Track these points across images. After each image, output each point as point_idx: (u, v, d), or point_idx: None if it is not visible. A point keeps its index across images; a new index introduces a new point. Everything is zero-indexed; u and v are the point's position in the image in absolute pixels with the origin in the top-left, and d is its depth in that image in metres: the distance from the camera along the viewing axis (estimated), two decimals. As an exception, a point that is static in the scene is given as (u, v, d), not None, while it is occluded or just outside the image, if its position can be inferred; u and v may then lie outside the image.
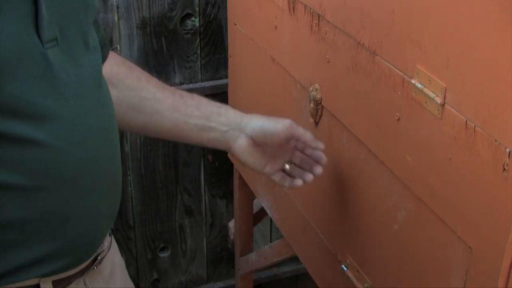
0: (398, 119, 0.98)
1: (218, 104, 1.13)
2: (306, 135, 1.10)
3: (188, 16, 1.84)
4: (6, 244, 0.82)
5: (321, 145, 1.12)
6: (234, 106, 1.65)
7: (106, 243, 1.00)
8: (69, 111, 0.82)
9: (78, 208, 0.86)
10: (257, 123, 1.10)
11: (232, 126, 1.10)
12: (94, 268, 0.96)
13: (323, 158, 1.12)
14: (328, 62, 1.17)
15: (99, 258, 0.97)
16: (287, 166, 1.14)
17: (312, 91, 1.23)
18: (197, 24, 1.86)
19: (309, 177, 1.13)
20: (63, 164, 0.82)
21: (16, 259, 0.83)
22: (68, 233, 0.86)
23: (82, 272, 0.93)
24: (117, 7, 1.74)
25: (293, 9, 1.27)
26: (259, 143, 1.11)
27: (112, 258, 1.04)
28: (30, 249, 0.83)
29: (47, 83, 0.79)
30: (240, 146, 1.09)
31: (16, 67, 0.74)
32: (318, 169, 1.12)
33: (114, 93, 0.97)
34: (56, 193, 0.83)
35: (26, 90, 0.76)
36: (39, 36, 0.77)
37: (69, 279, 0.91)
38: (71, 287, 0.92)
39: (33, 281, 0.86)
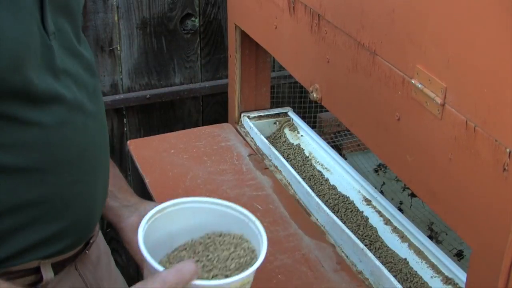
0: (398, 119, 0.98)
1: (131, 190, 1.14)
2: None
3: (188, 16, 1.84)
4: (13, 226, 0.84)
5: None
6: (234, 106, 1.66)
7: (97, 227, 1.04)
8: (72, 98, 0.86)
9: (79, 190, 0.90)
10: (152, 206, 1.05)
11: (132, 203, 1.11)
12: (85, 252, 0.99)
13: None
14: (328, 62, 1.17)
15: (90, 242, 1.01)
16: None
17: (312, 91, 1.23)
18: (197, 24, 1.86)
19: None
20: (67, 147, 0.86)
21: (21, 241, 0.85)
22: (70, 215, 0.90)
23: (75, 256, 0.96)
24: (117, 7, 1.74)
25: (293, 9, 1.27)
26: None
27: (99, 245, 1.07)
28: (34, 231, 0.86)
29: (52, 72, 0.83)
30: (131, 222, 1.08)
31: (29, 57, 0.78)
32: None
33: None
34: (61, 176, 0.86)
35: (37, 77, 0.80)
36: (44, 28, 0.81)
37: (64, 263, 0.94)
38: (65, 271, 0.95)
39: (34, 264, 0.88)
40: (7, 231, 0.84)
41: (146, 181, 1.39)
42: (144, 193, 1.21)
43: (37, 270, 0.89)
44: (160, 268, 0.79)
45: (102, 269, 1.06)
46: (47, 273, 0.91)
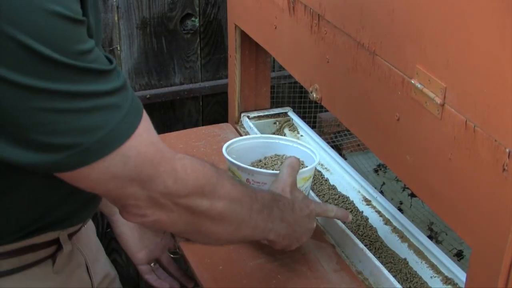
0: (398, 119, 0.98)
1: None
2: None
3: (188, 16, 1.84)
4: (51, 202, 0.87)
5: None
6: (234, 106, 1.66)
7: None
8: None
9: None
10: None
11: None
12: (84, 226, 1.02)
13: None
14: (328, 62, 1.17)
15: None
16: (152, 264, 1.23)
17: (312, 91, 1.23)
18: (197, 24, 1.86)
19: (175, 286, 1.24)
20: None
21: (56, 214, 0.89)
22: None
23: (77, 231, 0.99)
24: (117, 7, 1.74)
25: (293, 9, 1.27)
26: None
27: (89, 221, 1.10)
28: (66, 205, 0.90)
29: None
30: None
31: None
32: (176, 286, 1.24)
33: None
34: None
35: None
36: None
37: (71, 236, 0.97)
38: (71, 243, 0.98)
39: (55, 235, 0.92)
40: (51, 205, 0.88)
41: None
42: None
43: (54, 242, 0.92)
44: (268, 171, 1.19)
45: (90, 242, 1.08)
46: (66, 245, 0.94)
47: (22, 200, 0.84)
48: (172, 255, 1.26)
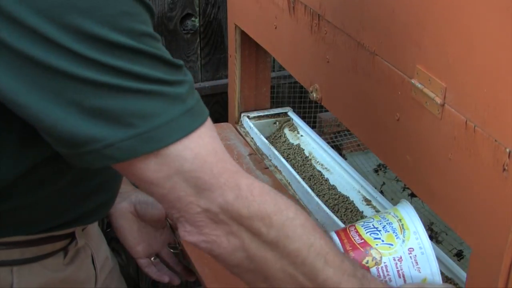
0: (398, 119, 0.98)
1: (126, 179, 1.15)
2: None
3: (188, 16, 1.84)
4: (77, 198, 0.90)
5: None
6: (234, 106, 1.66)
7: None
8: None
9: None
10: (143, 195, 1.16)
11: (125, 191, 1.15)
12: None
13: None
14: (328, 62, 1.17)
15: None
16: (152, 259, 1.24)
17: (312, 91, 1.23)
18: (197, 24, 1.86)
19: (176, 281, 1.24)
20: None
21: (78, 211, 0.91)
22: (116, 185, 0.97)
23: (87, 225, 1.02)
24: (117, 7, 1.74)
25: (293, 9, 1.27)
26: (139, 214, 1.16)
27: None
28: (91, 201, 0.92)
29: None
30: (121, 208, 1.13)
31: None
32: (176, 281, 1.25)
33: None
34: None
35: None
36: None
37: (83, 230, 1.00)
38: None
39: (72, 229, 0.95)
40: (74, 201, 0.90)
41: None
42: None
43: (70, 235, 0.95)
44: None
45: (95, 233, 1.10)
46: (81, 238, 0.97)
47: (58, 191, 0.86)
48: (172, 250, 1.27)
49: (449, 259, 1.18)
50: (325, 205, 1.29)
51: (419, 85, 0.91)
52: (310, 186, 1.36)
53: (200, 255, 1.18)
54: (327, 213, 1.27)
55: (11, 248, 0.85)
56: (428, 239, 0.88)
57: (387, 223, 0.91)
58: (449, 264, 1.16)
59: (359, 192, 1.39)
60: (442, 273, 1.17)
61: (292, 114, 1.66)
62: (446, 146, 0.87)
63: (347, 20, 1.08)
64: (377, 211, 1.34)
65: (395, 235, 0.87)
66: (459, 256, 1.57)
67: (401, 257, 0.86)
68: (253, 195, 0.73)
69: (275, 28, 1.36)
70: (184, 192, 0.71)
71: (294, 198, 1.37)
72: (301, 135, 1.60)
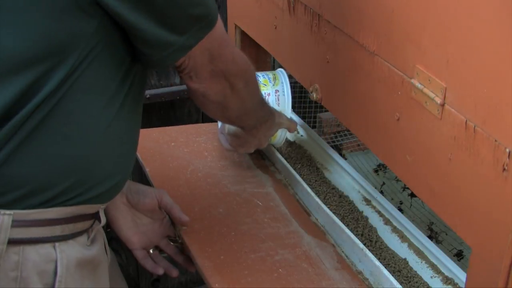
0: (398, 119, 0.98)
1: None
2: (173, 207, 1.21)
3: (188, 16, 1.84)
4: (107, 173, 0.95)
5: (185, 218, 1.21)
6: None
7: None
8: None
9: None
10: (138, 187, 1.20)
11: None
12: None
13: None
14: (328, 62, 1.17)
15: None
16: (151, 251, 1.23)
17: (312, 91, 1.24)
18: (197, 24, 1.85)
19: (174, 273, 1.26)
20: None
21: (105, 185, 0.96)
22: (132, 162, 1.02)
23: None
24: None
25: (293, 9, 1.27)
26: (131, 203, 1.18)
27: None
28: (114, 178, 0.97)
29: None
30: (113, 200, 1.10)
31: None
32: (174, 273, 1.26)
33: None
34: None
35: None
36: None
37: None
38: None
39: (96, 208, 0.99)
40: (108, 173, 0.95)
41: (147, 170, 1.39)
42: (142, 182, 1.23)
43: (94, 216, 0.99)
44: None
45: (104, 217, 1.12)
46: (103, 218, 1.02)
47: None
48: (172, 243, 1.26)
49: (449, 259, 1.18)
50: (325, 205, 1.29)
51: (419, 85, 0.91)
52: (310, 186, 1.36)
53: (201, 248, 1.18)
54: (327, 213, 1.27)
55: (54, 225, 0.92)
56: (289, 88, 1.40)
57: (266, 75, 1.41)
58: (449, 264, 1.16)
59: (359, 192, 1.39)
60: (442, 274, 1.17)
61: (292, 114, 1.65)
62: (446, 146, 0.87)
63: (347, 20, 1.08)
64: (377, 211, 1.34)
65: (269, 81, 1.40)
66: (459, 256, 1.57)
67: (269, 93, 1.38)
68: (241, 57, 1.05)
69: (275, 28, 1.36)
70: (205, 60, 0.97)
71: (294, 198, 1.37)
72: (301, 135, 1.60)
